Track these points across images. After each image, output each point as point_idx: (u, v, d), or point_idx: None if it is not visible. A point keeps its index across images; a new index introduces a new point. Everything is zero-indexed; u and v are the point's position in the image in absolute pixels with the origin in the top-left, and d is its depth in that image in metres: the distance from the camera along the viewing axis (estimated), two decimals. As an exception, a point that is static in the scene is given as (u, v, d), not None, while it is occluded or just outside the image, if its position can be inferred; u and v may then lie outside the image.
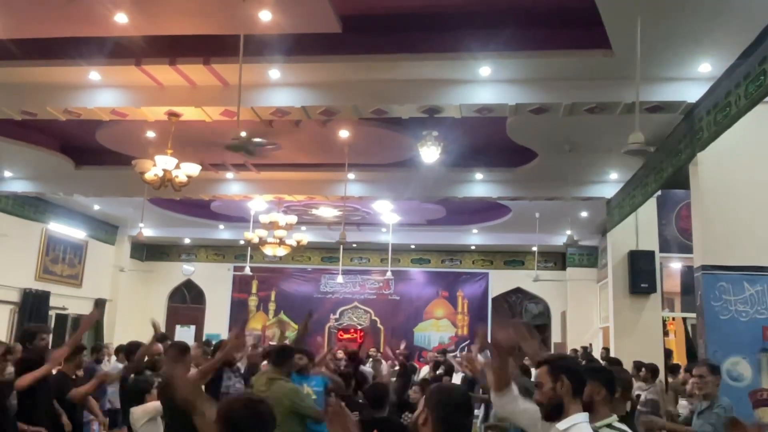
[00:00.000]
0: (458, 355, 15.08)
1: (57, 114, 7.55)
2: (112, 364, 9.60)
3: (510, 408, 2.82)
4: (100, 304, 14.75)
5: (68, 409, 5.50)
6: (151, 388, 5.30)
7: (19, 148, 9.65)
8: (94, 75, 6.99)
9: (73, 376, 5.88)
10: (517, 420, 2.85)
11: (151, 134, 8.91)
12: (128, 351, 7.04)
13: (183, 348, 4.70)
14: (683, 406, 7.54)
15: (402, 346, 12.61)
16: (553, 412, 2.58)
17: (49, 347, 6.04)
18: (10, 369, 5.55)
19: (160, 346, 6.90)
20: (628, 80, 5.68)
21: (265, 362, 5.95)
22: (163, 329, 15.98)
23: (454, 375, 11.16)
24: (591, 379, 2.76)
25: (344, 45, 6.31)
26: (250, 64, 6.20)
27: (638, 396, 7.99)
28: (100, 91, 7.28)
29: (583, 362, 9.36)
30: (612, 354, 10.13)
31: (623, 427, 2.81)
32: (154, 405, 5.03)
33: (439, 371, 9.41)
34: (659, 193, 9.12)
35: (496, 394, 2.85)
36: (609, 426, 2.77)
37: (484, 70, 6.45)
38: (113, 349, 10.27)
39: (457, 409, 2.42)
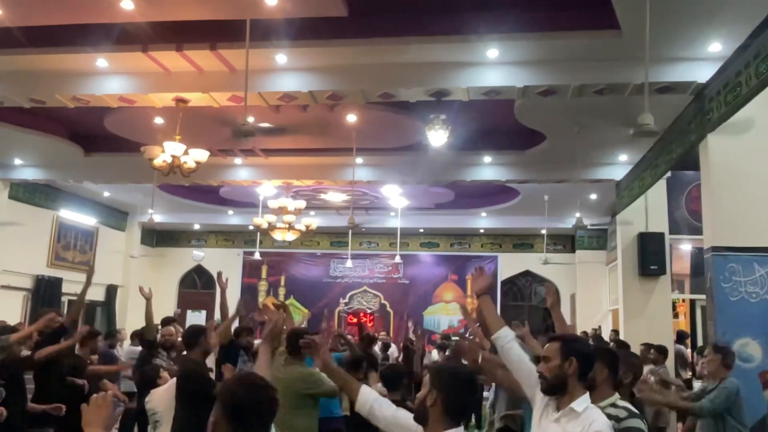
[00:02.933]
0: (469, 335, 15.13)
1: (65, 101, 7.57)
2: (125, 349, 9.74)
3: (508, 349, 2.87)
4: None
5: (81, 393, 5.57)
6: (158, 374, 5.41)
7: (29, 135, 9.71)
8: (101, 62, 7.00)
9: (88, 361, 5.98)
10: (514, 370, 2.89)
11: (159, 120, 8.93)
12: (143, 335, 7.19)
13: (196, 332, 4.72)
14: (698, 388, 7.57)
15: (411, 329, 12.60)
16: (555, 388, 2.62)
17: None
18: (26, 352, 5.66)
19: (171, 328, 6.98)
20: (637, 61, 5.64)
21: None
22: (173, 314, 16.19)
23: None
24: (595, 359, 2.78)
25: (351, 29, 6.28)
26: (257, 49, 6.18)
27: (648, 378, 8.04)
28: (108, 78, 7.30)
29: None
30: (621, 336, 10.14)
31: (625, 404, 2.85)
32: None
33: (448, 352, 9.47)
34: (669, 174, 9.06)
35: (493, 340, 2.93)
36: (613, 405, 2.81)
37: (492, 52, 6.40)
38: (126, 335, 10.38)
39: (463, 387, 2.44)
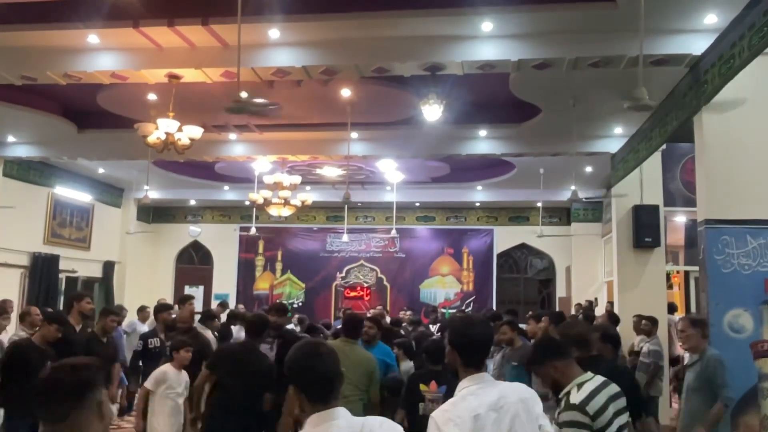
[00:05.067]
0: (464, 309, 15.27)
1: (57, 78, 7.50)
2: (128, 322, 9.86)
3: None
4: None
5: None
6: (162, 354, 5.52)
7: (22, 113, 9.64)
8: (92, 38, 6.92)
9: (104, 339, 6.06)
10: None
11: (152, 97, 8.87)
12: (156, 311, 7.34)
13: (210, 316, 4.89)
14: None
15: (407, 313, 12.61)
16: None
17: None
18: (21, 333, 5.71)
19: (186, 314, 7.04)
20: (632, 33, 5.59)
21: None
22: (171, 290, 16.34)
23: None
24: (547, 361, 2.99)
25: (344, 2, 6.23)
26: (249, 24, 6.13)
27: (641, 348, 8.16)
28: (100, 55, 7.22)
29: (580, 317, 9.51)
30: (616, 308, 10.26)
31: (586, 378, 2.99)
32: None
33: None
34: (664, 147, 9.07)
35: None
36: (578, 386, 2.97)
37: (486, 25, 6.36)
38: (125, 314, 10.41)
39: (465, 334, 2.57)
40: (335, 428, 2.06)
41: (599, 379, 2.99)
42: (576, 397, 2.88)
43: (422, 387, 4.64)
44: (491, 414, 2.35)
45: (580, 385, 2.93)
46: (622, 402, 2.98)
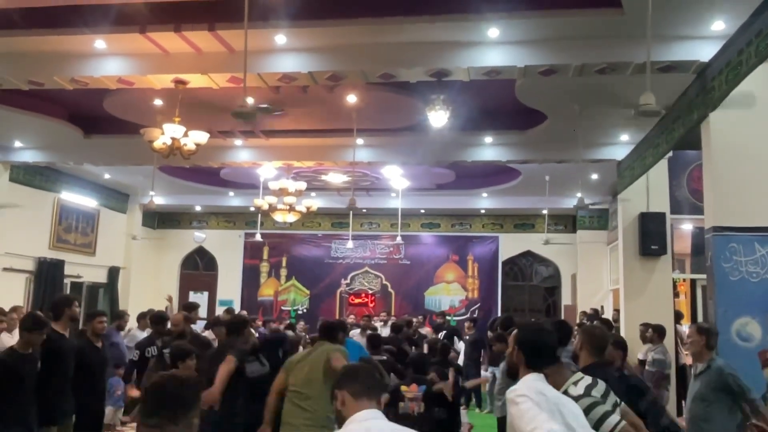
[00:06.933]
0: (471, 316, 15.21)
1: (64, 83, 7.54)
2: (129, 336, 9.68)
3: None
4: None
5: (89, 375, 5.49)
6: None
7: (28, 118, 9.67)
8: (99, 43, 6.95)
9: (99, 344, 5.86)
10: None
11: (158, 102, 8.89)
12: (154, 320, 7.22)
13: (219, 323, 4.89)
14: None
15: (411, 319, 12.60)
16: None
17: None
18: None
19: (179, 316, 6.97)
20: (639, 39, 5.59)
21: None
22: (176, 296, 16.31)
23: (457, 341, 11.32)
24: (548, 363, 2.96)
25: (350, 8, 6.22)
26: (256, 30, 6.13)
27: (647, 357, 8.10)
28: (106, 60, 7.25)
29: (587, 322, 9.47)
30: (622, 316, 10.20)
31: (579, 378, 3.04)
32: None
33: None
34: (671, 154, 9.03)
35: None
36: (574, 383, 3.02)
37: (493, 31, 6.35)
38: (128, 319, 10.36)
39: (532, 339, 2.82)
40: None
41: (589, 378, 3.07)
42: (576, 390, 2.93)
43: (403, 388, 4.67)
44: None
45: (576, 383, 2.99)
46: (613, 397, 3.07)
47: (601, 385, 3.06)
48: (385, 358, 6.42)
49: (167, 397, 1.97)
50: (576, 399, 2.83)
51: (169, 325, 6.99)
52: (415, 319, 12.65)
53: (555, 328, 3.58)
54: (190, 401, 2.00)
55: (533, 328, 2.92)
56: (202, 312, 12.25)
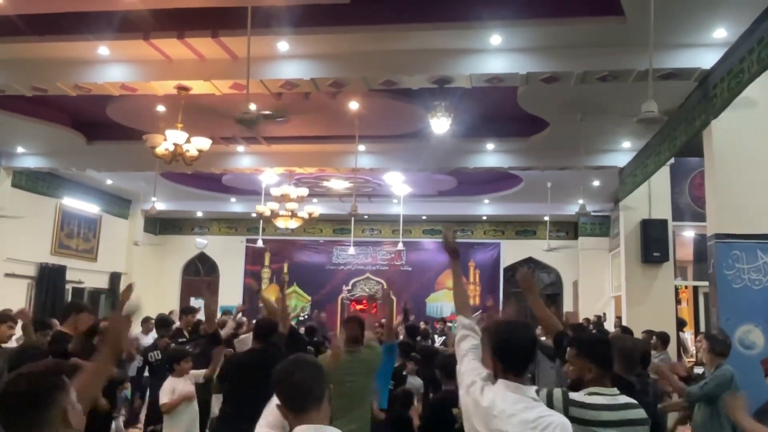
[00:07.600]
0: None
1: (67, 89, 7.55)
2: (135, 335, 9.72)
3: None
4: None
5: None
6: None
7: (31, 124, 9.70)
8: (102, 50, 6.98)
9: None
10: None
11: (161, 108, 8.91)
12: (159, 324, 7.25)
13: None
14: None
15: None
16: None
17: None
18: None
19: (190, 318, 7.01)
20: (641, 47, 5.60)
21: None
22: (178, 302, 16.30)
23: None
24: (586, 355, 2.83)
25: (353, 15, 6.24)
26: (259, 37, 6.16)
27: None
28: (110, 66, 7.28)
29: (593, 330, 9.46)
30: (624, 323, 10.17)
31: (603, 392, 2.72)
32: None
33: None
34: (672, 161, 9.03)
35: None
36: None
37: (495, 39, 6.37)
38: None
39: (506, 342, 2.46)
40: None
41: (619, 399, 2.69)
42: (579, 397, 2.66)
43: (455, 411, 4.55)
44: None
45: (591, 394, 2.69)
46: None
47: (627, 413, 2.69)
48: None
49: (15, 399, 1.74)
50: (563, 401, 2.59)
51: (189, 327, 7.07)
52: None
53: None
54: (44, 398, 1.74)
55: (507, 328, 2.50)
56: (201, 314, 12.20)
